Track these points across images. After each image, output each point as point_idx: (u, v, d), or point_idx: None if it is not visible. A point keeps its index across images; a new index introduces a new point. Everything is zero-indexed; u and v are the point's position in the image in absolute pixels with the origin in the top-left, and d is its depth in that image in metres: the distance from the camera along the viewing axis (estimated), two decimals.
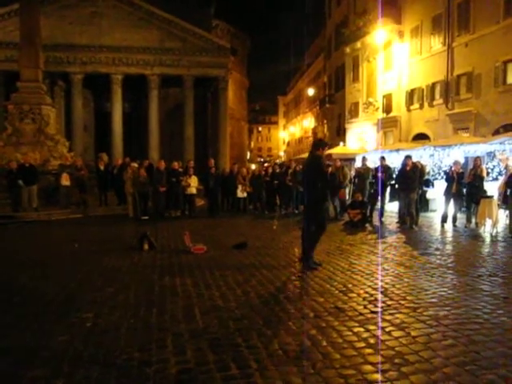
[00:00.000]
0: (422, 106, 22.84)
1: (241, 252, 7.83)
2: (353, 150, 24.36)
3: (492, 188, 11.79)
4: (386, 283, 5.58)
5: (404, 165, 11.11)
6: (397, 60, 24.62)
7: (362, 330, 3.99)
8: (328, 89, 38.43)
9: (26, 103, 17.84)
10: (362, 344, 3.67)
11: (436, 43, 21.62)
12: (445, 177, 12.02)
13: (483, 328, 4.01)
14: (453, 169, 11.30)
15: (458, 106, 20.32)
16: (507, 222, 10.17)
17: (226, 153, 34.10)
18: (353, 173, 15.54)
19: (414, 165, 11.27)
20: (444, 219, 11.05)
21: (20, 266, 6.95)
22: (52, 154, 17.75)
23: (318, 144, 6.82)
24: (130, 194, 13.34)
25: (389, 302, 4.79)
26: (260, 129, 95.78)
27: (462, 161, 13.60)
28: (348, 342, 3.72)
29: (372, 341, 3.73)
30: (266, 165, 28.69)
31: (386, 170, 12.12)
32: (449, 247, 8.52)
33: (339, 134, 33.20)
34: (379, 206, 11.95)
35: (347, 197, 14.39)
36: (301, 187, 11.44)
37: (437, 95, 21.69)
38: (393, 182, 12.35)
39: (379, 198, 11.93)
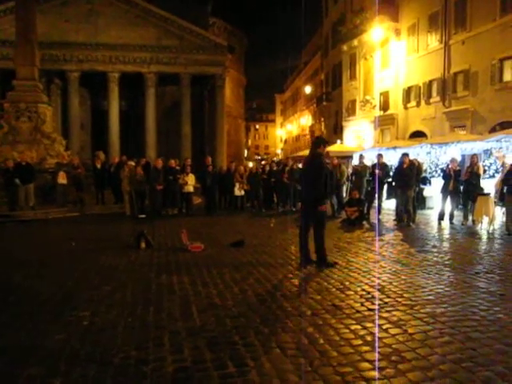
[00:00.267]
0: (418, 104, 22.87)
1: (238, 250, 7.83)
2: (350, 148, 24.35)
3: (489, 185, 11.83)
4: (383, 281, 5.59)
5: (401, 162, 11.12)
6: (394, 58, 24.64)
7: (359, 327, 4.00)
8: (325, 87, 38.45)
9: (23, 101, 17.72)
10: (359, 341, 3.68)
11: (433, 41, 21.64)
12: (442, 174, 12.04)
13: (480, 325, 4.03)
14: (450, 166, 11.34)
15: (454, 103, 20.35)
16: (504, 219, 10.21)
17: (223, 151, 34.03)
18: (350, 170, 15.54)
19: (411, 162, 11.27)
20: (441, 217, 11.09)
21: (16, 264, 6.92)
22: (49, 152, 17.66)
23: (319, 142, 6.84)
24: (127, 193, 13.31)
25: (386, 300, 4.80)
26: (257, 127, 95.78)
27: (459, 158, 13.66)
28: (345, 339, 3.73)
29: (369, 338, 3.74)
30: (263, 163, 28.70)
31: (383, 167, 12.13)
32: (446, 244, 8.54)
33: (336, 131, 33.21)
34: (376, 204, 11.97)
35: (344, 194, 14.40)
36: (298, 185, 11.43)
37: (434, 93, 21.72)
38: (390, 179, 12.36)
39: (376, 195, 11.95)
